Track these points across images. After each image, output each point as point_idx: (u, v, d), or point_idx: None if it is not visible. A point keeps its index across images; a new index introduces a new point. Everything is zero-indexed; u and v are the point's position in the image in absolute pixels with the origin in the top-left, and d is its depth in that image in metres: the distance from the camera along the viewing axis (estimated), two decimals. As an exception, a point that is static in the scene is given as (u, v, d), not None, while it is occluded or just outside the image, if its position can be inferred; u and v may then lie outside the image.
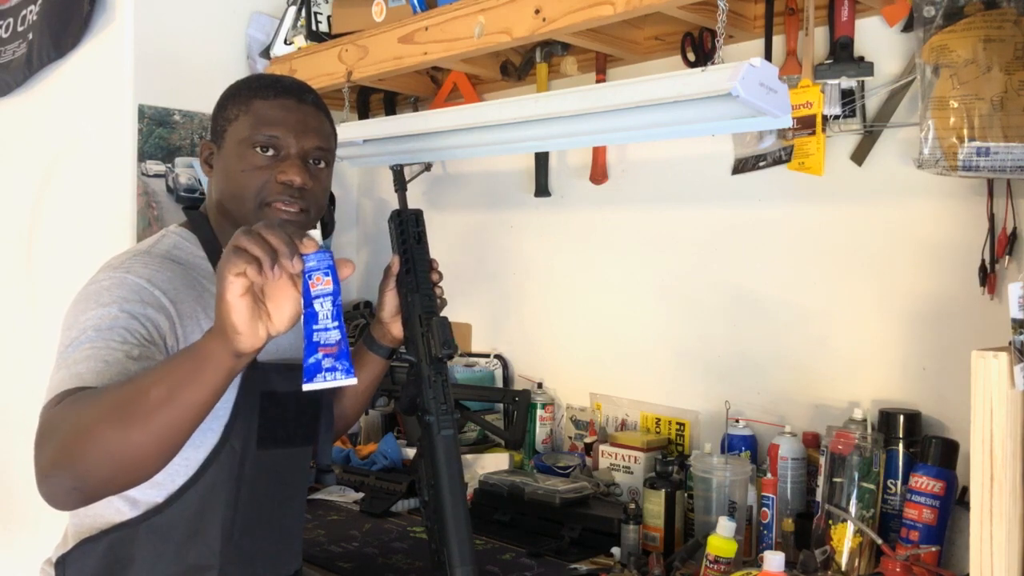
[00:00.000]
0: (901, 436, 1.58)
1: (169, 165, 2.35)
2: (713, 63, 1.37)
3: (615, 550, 1.64)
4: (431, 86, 2.45)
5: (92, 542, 1.25)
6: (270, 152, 1.32)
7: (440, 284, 1.45)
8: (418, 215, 1.46)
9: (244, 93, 1.36)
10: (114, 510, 1.25)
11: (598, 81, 2.08)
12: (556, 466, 2.02)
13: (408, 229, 1.45)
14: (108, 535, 1.25)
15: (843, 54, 1.70)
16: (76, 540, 1.26)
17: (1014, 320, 1.12)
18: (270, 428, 1.32)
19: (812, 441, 1.72)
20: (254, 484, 1.31)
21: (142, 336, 1.16)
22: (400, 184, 1.50)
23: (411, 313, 1.41)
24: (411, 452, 2.09)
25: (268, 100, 1.34)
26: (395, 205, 1.47)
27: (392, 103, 2.56)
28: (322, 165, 1.37)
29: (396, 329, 1.46)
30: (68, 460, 1.01)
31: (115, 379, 1.09)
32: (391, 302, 1.46)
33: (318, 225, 1.31)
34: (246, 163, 1.32)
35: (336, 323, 0.97)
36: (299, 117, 1.34)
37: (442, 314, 1.40)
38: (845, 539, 1.50)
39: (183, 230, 1.37)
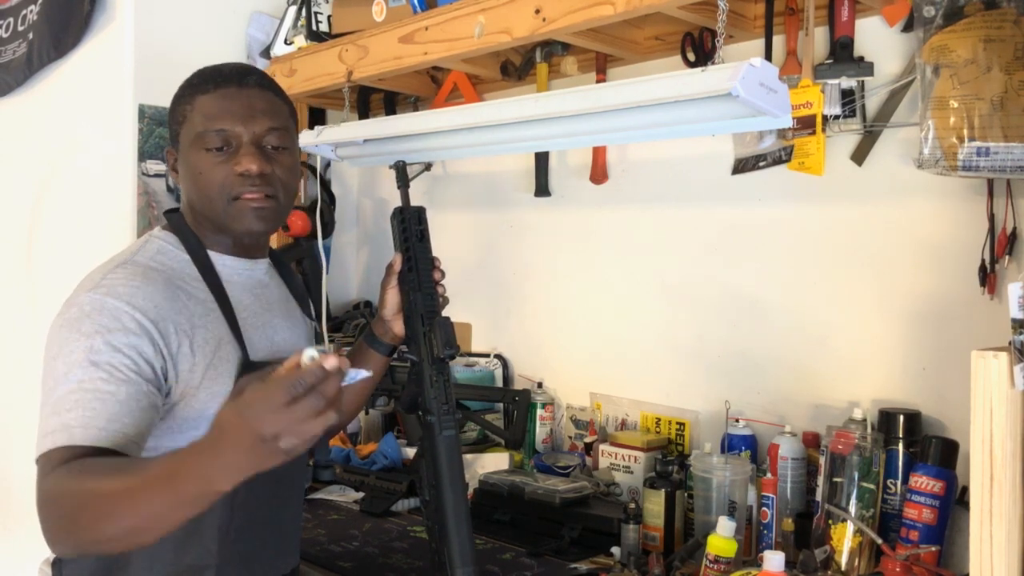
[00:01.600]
0: (901, 436, 1.58)
1: (169, 165, 2.36)
2: (713, 63, 1.37)
3: (615, 550, 1.64)
4: (431, 86, 2.45)
5: None
6: (223, 147, 1.29)
7: (442, 283, 1.45)
8: (420, 213, 1.46)
9: (188, 92, 1.32)
10: None
11: (598, 81, 2.08)
12: (556, 466, 2.02)
13: (411, 227, 1.44)
14: None
15: (843, 54, 1.70)
16: None
17: (1014, 320, 1.12)
18: None
19: (812, 441, 1.72)
20: (251, 483, 1.29)
21: (128, 368, 1.16)
22: (402, 181, 1.49)
23: (413, 312, 1.41)
24: (411, 452, 2.09)
25: (209, 93, 1.30)
26: (395, 204, 1.47)
27: (392, 103, 2.56)
28: (280, 146, 1.33)
29: (397, 326, 1.46)
30: (72, 541, 1.07)
31: (104, 429, 1.11)
32: (393, 299, 1.45)
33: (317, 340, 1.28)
34: (203, 163, 1.29)
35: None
36: (243, 103, 1.29)
37: (444, 313, 1.41)
38: (845, 539, 1.50)
39: (166, 233, 1.34)
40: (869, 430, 1.57)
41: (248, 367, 1.27)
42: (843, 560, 1.50)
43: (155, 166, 2.34)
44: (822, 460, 1.57)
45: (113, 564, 1.24)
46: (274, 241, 2.56)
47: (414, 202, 1.49)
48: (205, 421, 1.22)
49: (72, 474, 1.07)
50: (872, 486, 1.52)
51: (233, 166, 1.28)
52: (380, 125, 1.91)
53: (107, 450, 1.11)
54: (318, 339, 1.53)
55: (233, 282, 1.34)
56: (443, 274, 1.45)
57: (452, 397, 1.34)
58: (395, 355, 1.52)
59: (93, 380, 1.14)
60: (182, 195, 1.37)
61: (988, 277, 1.54)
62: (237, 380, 1.26)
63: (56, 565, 1.27)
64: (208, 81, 1.31)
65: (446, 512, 1.28)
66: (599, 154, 2.16)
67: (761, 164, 1.86)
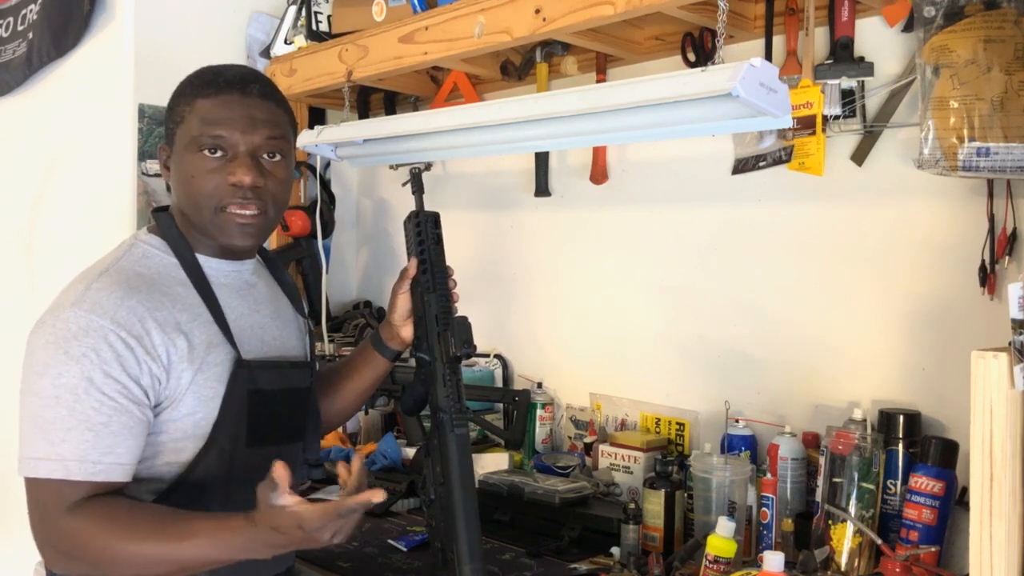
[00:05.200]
0: (901, 436, 1.58)
1: (169, 165, 2.36)
2: (713, 63, 1.37)
3: (615, 550, 1.64)
4: (431, 86, 2.45)
5: None
6: (218, 153, 1.27)
7: (454, 291, 1.46)
8: (436, 218, 1.47)
9: (188, 92, 1.30)
10: None
11: (598, 81, 2.08)
12: (556, 466, 2.02)
13: (427, 230, 1.45)
14: None
15: (843, 54, 1.70)
16: None
17: (1014, 320, 1.12)
18: (259, 426, 1.30)
19: (812, 441, 1.72)
20: (245, 482, 1.30)
21: (119, 394, 1.17)
22: (417, 187, 1.50)
23: (427, 312, 1.42)
24: (411, 452, 2.09)
25: (210, 98, 1.27)
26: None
27: (392, 103, 2.56)
28: (277, 158, 1.31)
29: (406, 332, 1.46)
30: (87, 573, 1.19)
31: (98, 463, 1.16)
32: (404, 305, 1.46)
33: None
34: (196, 167, 1.27)
35: None
36: (244, 112, 1.27)
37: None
38: (845, 539, 1.50)
39: (152, 236, 1.33)
40: (869, 430, 1.57)
41: (241, 366, 1.28)
42: (843, 560, 1.50)
43: (155, 166, 2.34)
44: (822, 460, 1.57)
45: None
46: (274, 241, 2.56)
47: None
48: (191, 422, 1.24)
49: (101, 521, 1.15)
50: (872, 486, 1.52)
51: (226, 176, 1.27)
52: (380, 125, 1.91)
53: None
54: (311, 336, 1.53)
55: (220, 284, 1.34)
56: (455, 283, 1.46)
57: (463, 395, 1.35)
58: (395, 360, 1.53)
59: (85, 409, 1.15)
60: (172, 195, 1.35)
61: (988, 277, 1.54)
62: (230, 382, 1.26)
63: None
64: (210, 84, 1.29)
65: (455, 509, 1.28)
66: (599, 154, 2.16)
67: (761, 164, 1.86)
